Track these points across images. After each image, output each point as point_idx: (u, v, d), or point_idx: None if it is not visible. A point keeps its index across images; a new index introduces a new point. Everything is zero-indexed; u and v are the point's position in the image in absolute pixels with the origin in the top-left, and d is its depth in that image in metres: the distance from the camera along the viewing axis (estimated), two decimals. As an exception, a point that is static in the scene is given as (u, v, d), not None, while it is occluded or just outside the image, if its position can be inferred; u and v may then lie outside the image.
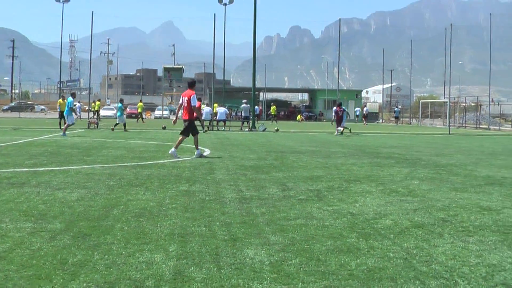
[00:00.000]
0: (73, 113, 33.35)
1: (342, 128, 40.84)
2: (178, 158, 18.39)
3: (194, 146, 19.38)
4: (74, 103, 35.50)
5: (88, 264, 5.91)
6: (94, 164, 16.18)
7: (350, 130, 42.75)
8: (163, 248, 6.66)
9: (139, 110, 66.61)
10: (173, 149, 19.10)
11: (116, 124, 39.30)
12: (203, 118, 46.00)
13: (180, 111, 19.83)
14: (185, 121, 19.41)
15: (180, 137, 19.42)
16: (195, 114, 19.39)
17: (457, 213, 9.34)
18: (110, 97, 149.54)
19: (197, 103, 19.45)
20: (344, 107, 43.25)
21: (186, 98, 19.21)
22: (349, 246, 6.94)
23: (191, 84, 20.07)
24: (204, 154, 19.84)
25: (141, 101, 73.67)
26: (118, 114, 40.37)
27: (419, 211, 9.45)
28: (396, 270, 5.97)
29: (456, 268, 6.08)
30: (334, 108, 42.93)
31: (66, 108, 33.19)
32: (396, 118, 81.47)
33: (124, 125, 38.99)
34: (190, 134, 19.42)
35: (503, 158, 21.54)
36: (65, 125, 33.01)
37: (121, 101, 42.09)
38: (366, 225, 8.22)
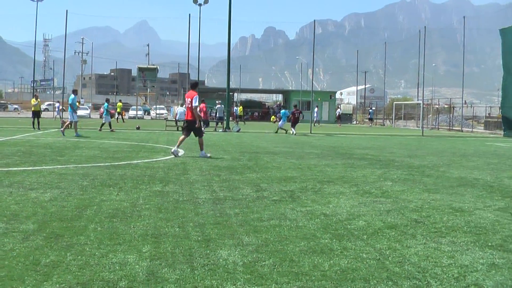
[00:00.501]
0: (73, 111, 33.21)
1: (294, 131, 41.62)
2: (179, 156, 19.25)
3: (173, 146, 19.37)
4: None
5: (61, 265, 5.89)
6: (68, 164, 16.10)
7: (286, 131, 43.14)
8: (137, 248, 6.65)
9: (118, 110, 66.54)
10: (174, 148, 19.63)
11: (103, 124, 39.20)
12: (177, 118, 46.16)
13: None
14: (188, 121, 19.96)
15: (182, 137, 19.95)
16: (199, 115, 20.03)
17: (429, 214, 9.41)
18: (84, 96, 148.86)
19: (199, 105, 19.98)
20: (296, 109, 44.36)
21: (189, 99, 19.63)
22: (322, 247, 6.97)
23: (194, 85, 20.59)
24: (208, 155, 19.94)
25: (120, 101, 73.56)
26: (104, 114, 40.30)
27: (392, 212, 9.51)
28: (369, 271, 6.00)
29: (428, 269, 6.12)
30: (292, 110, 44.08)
31: (69, 106, 33.17)
32: (370, 119, 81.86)
33: (110, 124, 38.99)
34: (193, 134, 20.01)
35: (475, 159, 21.71)
36: (73, 124, 32.74)
37: (107, 100, 41.85)
38: (339, 226, 8.26)
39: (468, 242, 7.42)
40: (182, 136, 20.04)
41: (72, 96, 33.21)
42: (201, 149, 19.83)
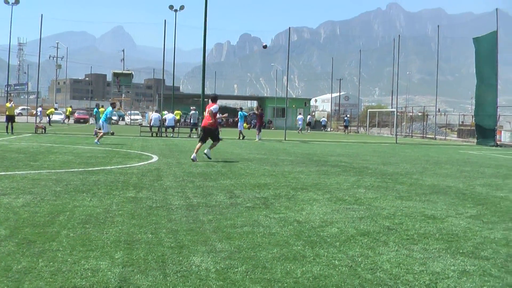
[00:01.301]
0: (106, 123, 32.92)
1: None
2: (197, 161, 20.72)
3: (146, 152, 19.43)
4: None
5: (33, 272, 5.86)
6: (41, 169, 16.01)
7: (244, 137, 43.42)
8: (109, 255, 6.63)
9: (101, 115, 66.58)
10: (193, 154, 21.15)
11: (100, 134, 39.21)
12: (151, 124, 46.08)
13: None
14: (204, 128, 22.06)
15: (198, 144, 21.81)
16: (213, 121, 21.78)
17: (402, 221, 9.46)
18: (59, 101, 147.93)
19: (214, 114, 21.75)
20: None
21: (210, 109, 21.69)
22: (295, 253, 6.99)
23: (214, 99, 22.30)
24: (210, 157, 21.52)
25: (102, 106, 73.49)
26: (103, 120, 40.01)
27: (365, 219, 9.55)
28: (341, 277, 6.03)
29: (400, 276, 6.16)
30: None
31: (104, 117, 32.75)
32: (346, 126, 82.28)
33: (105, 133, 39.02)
34: (211, 139, 21.95)
35: (448, 167, 21.85)
36: (100, 134, 32.19)
37: (97, 106, 41.64)
38: (312, 233, 8.28)
39: (440, 249, 7.47)
40: (199, 144, 21.74)
41: (110, 108, 32.90)
42: (210, 148, 21.89)
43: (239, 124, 44.82)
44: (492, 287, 5.88)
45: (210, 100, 22.39)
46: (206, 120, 21.89)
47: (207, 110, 22.01)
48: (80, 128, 59.29)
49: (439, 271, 6.41)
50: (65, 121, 63.09)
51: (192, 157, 20.98)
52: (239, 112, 46.71)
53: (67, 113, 66.72)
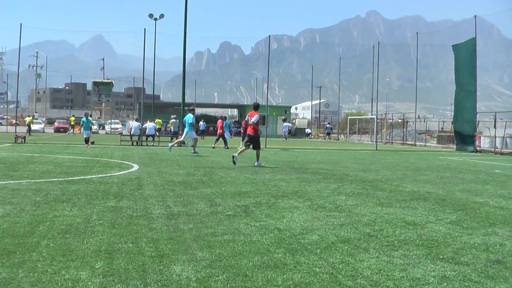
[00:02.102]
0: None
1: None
2: (262, 165, 23.33)
3: (132, 163, 19.44)
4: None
5: (13, 282, 5.83)
6: (21, 179, 15.93)
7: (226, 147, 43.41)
8: (90, 265, 6.61)
9: (72, 123, 66.95)
10: (257, 162, 23.54)
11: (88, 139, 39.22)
12: (132, 133, 45.99)
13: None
14: (249, 135, 24.14)
15: (243, 148, 24.50)
16: (257, 131, 24.34)
17: (382, 227, 9.50)
18: (38, 111, 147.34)
19: (257, 123, 24.31)
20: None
21: (251, 118, 24.13)
22: (276, 261, 6.99)
23: (256, 107, 24.87)
24: (262, 164, 23.64)
25: (90, 115, 73.46)
26: (84, 129, 40.05)
27: (345, 226, 9.58)
28: (322, 285, 6.04)
29: (381, 282, 6.19)
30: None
31: (187, 124, 32.54)
32: (328, 134, 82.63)
33: (88, 139, 38.93)
34: (252, 147, 24.16)
35: (427, 173, 21.95)
36: (194, 141, 32.49)
37: (86, 115, 41.39)
38: (293, 240, 8.30)
39: (420, 255, 7.51)
40: (243, 148, 24.45)
41: (191, 115, 32.60)
42: (257, 160, 23.67)
43: (225, 133, 44.72)
44: (472, 292, 5.91)
45: (253, 108, 24.78)
46: (251, 129, 24.10)
47: (249, 118, 24.30)
48: (60, 137, 59.04)
49: (420, 277, 6.44)
50: (69, 132, 63.03)
51: (234, 157, 23.49)
52: (224, 122, 46.63)
53: (72, 123, 66.57)
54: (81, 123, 41.12)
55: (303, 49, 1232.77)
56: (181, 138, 32.97)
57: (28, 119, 66.90)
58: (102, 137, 62.61)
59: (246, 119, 24.82)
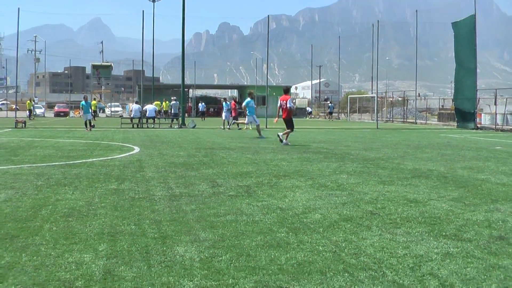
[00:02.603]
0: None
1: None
2: (288, 144, 24.27)
3: (135, 146, 19.44)
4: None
5: (16, 266, 5.84)
6: (22, 164, 15.94)
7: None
8: (93, 247, 6.61)
9: (93, 108, 67.01)
10: (284, 140, 24.50)
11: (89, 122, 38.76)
12: (132, 115, 45.92)
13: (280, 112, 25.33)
14: (284, 119, 25.01)
15: (288, 131, 24.91)
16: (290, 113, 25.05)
17: (384, 205, 9.50)
18: (38, 95, 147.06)
19: (292, 105, 25.64)
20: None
21: (285, 101, 24.94)
22: (278, 240, 7.00)
23: (286, 91, 26.01)
24: (289, 144, 24.54)
25: (94, 99, 73.65)
26: (85, 112, 39.57)
27: (347, 204, 9.58)
28: (325, 263, 6.04)
29: (384, 260, 6.19)
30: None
31: (251, 109, 32.60)
32: (330, 113, 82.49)
33: (87, 122, 38.38)
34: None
35: (428, 151, 21.93)
36: (257, 127, 31.72)
37: (85, 98, 40.85)
38: (295, 219, 8.30)
39: (422, 232, 7.51)
40: (288, 130, 24.96)
41: (250, 99, 32.28)
42: (286, 139, 24.66)
43: (225, 114, 44.20)
44: (475, 268, 5.91)
45: (284, 92, 25.64)
46: (285, 113, 24.91)
47: (281, 102, 25.09)
48: (60, 121, 59.03)
49: (423, 254, 6.44)
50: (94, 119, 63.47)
51: (283, 143, 24.29)
52: (224, 103, 46.29)
53: (94, 108, 66.70)
54: (81, 106, 40.63)
55: (302, 28, 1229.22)
56: (257, 123, 32.17)
57: (28, 102, 66.68)
58: (103, 120, 62.55)
59: (279, 104, 25.27)
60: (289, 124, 24.91)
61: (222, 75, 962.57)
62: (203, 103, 73.32)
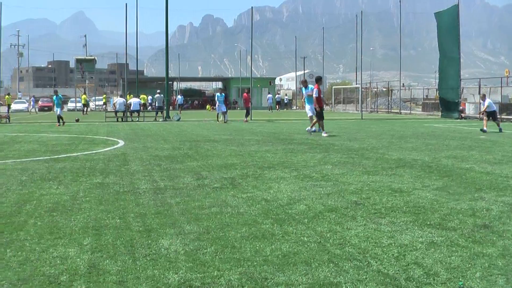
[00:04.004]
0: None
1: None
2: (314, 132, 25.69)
3: (114, 138, 19.40)
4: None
5: (1, 262, 5.83)
6: (6, 159, 15.88)
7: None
8: (77, 242, 6.61)
9: (83, 102, 67.15)
10: (321, 130, 25.13)
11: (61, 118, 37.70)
12: (116, 109, 45.76)
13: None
14: (321, 108, 25.56)
15: (315, 120, 25.78)
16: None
17: (369, 195, 9.53)
18: (22, 90, 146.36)
19: (318, 95, 25.78)
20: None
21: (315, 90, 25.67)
22: (263, 232, 7.02)
23: (317, 80, 26.80)
24: (314, 131, 25.77)
25: (85, 93, 73.52)
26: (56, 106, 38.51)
27: (332, 195, 9.60)
28: (310, 254, 6.07)
29: (369, 250, 6.22)
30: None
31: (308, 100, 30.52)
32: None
33: (59, 118, 37.45)
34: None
35: (413, 141, 21.99)
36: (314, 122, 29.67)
37: (56, 92, 39.75)
38: (280, 210, 8.32)
39: (407, 222, 7.54)
40: (316, 120, 25.66)
41: (312, 87, 30.08)
42: (312, 126, 25.90)
43: (219, 106, 42.92)
44: (459, 257, 5.94)
45: (315, 81, 26.51)
46: (317, 102, 25.42)
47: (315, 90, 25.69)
48: (44, 116, 58.73)
49: (407, 244, 6.47)
50: (85, 112, 63.31)
51: (323, 134, 24.59)
52: (218, 94, 44.87)
53: (83, 102, 66.61)
54: (52, 100, 39.48)
55: (286, 20, 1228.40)
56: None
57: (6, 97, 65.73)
58: (87, 114, 62.35)
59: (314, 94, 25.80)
60: (318, 114, 25.57)
61: (206, 67, 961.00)
62: (181, 96, 73.29)
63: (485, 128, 27.40)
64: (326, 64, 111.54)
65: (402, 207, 8.57)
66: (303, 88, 28.54)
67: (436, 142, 21.49)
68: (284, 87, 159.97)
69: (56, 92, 38.97)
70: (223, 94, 43.28)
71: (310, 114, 27.19)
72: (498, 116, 32.10)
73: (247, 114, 43.19)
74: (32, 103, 76.36)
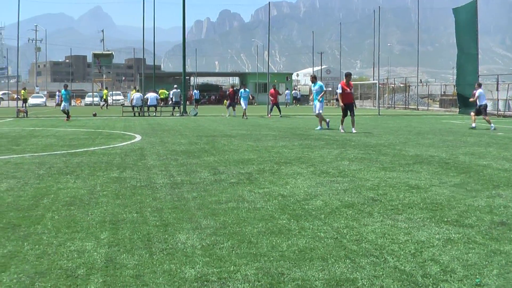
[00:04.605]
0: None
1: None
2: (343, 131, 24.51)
3: (131, 132, 19.43)
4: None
5: (19, 255, 5.85)
6: (23, 153, 15.95)
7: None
8: (95, 236, 6.63)
9: (104, 97, 67.44)
10: (340, 126, 24.90)
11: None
12: (133, 104, 45.85)
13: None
14: (345, 104, 25.06)
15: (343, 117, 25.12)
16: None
17: (386, 192, 9.50)
18: (39, 84, 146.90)
19: (340, 91, 25.39)
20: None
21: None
22: (280, 227, 7.01)
23: (346, 75, 26.10)
24: (344, 130, 24.81)
25: (106, 88, 73.85)
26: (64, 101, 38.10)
27: (349, 191, 9.58)
28: (326, 249, 6.05)
29: (385, 246, 6.20)
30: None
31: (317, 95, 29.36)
32: (337, 100, 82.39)
33: (67, 112, 37.22)
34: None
35: (430, 137, 21.90)
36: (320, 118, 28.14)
37: (65, 87, 39.33)
38: (297, 206, 8.31)
39: (424, 218, 7.51)
40: (342, 118, 25.05)
41: (321, 83, 28.60)
42: (353, 126, 24.64)
43: (243, 102, 42.18)
44: (476, 254, 5.91)
45: (345, 77, 25.99)
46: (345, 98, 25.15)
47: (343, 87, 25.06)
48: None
49: (424, 240, 6.45)
50: (103, 106, 63.85)
51: (341, 131, 24.47)
52: (242, 91, 44.21)
53: (104, 97, 67.11)
54: (61, 95, 39.04)
55: (303, 15, 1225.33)
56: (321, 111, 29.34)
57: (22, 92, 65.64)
58: (104, 109, 62.56)
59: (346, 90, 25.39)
60: (351, 109, 25.28)
61: (223, 62, 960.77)
62: (197, 91, 73.21)
63: (473, 125, 27.23)
64: (343, 60, 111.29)
65: (419, 203, 8.54)
66: (312, 84, 28.37)
67: (453, 138, 21.40)
68: (301, 83, 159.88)
69: (65, 87, 38.43)
70: (247, 90, 43.31)
71: (316, 112, 27.10)
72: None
73: (272, 110, 43.18)
74: (57, 97, 76.79)
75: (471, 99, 29.24)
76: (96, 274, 5.24)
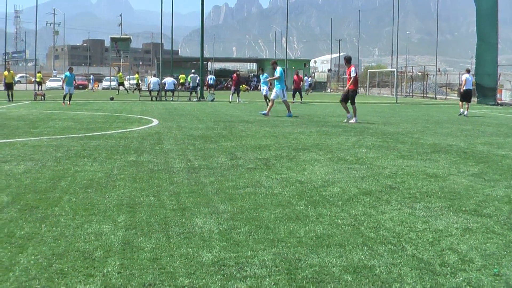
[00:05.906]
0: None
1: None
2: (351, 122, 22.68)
3: (152, 118, 19.44)
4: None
5: (36, 237, 5.86)
6: (41, 136, 15.99)
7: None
8: (112, 218, 6.63)
9: (121, 80, 67.24)
10: (353, 117, 22.85)
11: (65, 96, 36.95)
12: (151, 88, 45.88)
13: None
14: (352, 90, 23.41)
15: (353, 106, 23.24)
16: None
17: (404, 180, 9.46)
18: (57, 68, 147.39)
19: (352, 75, 23.31)
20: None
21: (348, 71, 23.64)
22: (297, 213, 6.99)
23: (347, 60, 23.84)
24: (352, 121, 22.81)
25: (137, 72, 73.99)
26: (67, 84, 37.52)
27: (366, 178, 9.55)
28: (344, 236, 6.03)
29: (403, 234, 6.17)
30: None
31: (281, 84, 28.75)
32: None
33: (66, 96, 36.33)
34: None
35: (448, 126, 21.82)
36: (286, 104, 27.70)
37: (70, 70, 38.66)
38: (314, 192, 8.28)
39: (442, 207, 7.47)
40: (353, 106, 23.25)
41: (281, 69, 27.84)
42: (354, 115, 22.98)
43: (264, 89, 40.16)
44: (495, 244, 5.88)
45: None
46: (352, 84, 23.41)
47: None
48: (79, 94, 59.07)
49: (442, 229, 6.41)
50: (134, 91, 63.70)
51: (353, 121, 22.62)
52: (261, 75, 42.54)
53: (136, 81, 66.80)
54: (64, 77, 37.91)
55: (322, 2, 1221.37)
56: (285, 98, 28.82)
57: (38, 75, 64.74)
58: (121, 93, 62.69)
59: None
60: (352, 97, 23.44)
61: (241, 48, 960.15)
62: (212, 76, 72.78)
63: (461, 111, 27.42)
64: (361, 47, 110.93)
65: (437, 192, 8.49)
66: (275, 71, 27.63)
67: (471, 128, 21.30)
68: (318, 70, 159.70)
69: (71, 70, 37.98)
70: (266, 74, 40.17)
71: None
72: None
73: (295, 96, 43.09)
74: (91, 81, 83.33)
75: (462, 88, 29.37)
76: (113, 256, 5.24)
